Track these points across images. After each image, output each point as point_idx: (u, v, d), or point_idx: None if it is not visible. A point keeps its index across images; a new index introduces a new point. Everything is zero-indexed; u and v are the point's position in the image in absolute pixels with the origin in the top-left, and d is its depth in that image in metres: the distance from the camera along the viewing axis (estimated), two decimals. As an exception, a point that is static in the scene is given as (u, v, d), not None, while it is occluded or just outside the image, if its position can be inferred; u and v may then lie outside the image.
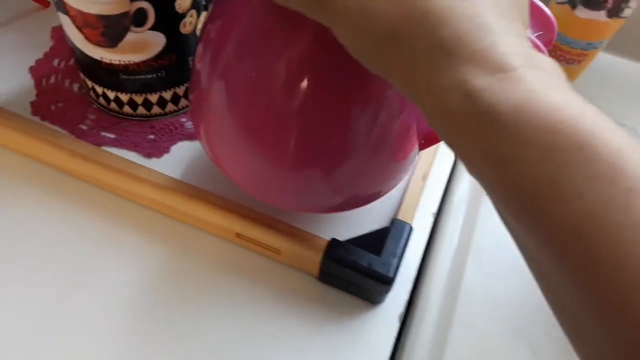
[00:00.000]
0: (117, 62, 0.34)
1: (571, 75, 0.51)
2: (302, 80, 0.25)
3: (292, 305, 0.33)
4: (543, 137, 0.15)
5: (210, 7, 0.29)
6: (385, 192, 0.33)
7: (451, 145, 0.17)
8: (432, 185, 0.39)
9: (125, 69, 0.35)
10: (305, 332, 0.32)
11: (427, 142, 0.31)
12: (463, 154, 0.17)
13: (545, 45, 0.24)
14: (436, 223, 0.39)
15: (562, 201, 0.15)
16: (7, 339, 0.30)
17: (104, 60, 0.34)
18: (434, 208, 0.38)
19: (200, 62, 0.29)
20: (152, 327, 0.31)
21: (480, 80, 0.15)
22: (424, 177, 0.37)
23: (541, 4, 0.25)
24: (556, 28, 0.25)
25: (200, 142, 0.32)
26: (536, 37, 0.24)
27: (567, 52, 0.48)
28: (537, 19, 0.25)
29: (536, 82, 0.15)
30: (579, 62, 0.49)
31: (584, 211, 0.14)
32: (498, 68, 0.15)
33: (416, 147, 0.31)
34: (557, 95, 0.15)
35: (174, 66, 0.36)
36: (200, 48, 0.29)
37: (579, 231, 0.14)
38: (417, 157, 0.36)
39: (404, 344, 0.34)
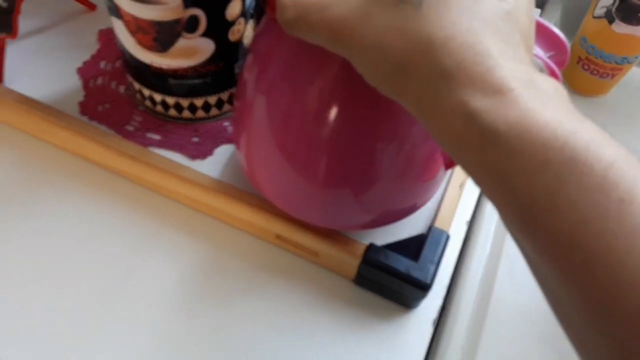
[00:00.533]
0: (166, 67, 0.36)
1: (603, 89, 0.52)
2: (334, 107, 0.27)
3: (328, 307, 0.34)
4: (537, 152, 0.16)
5: (263, 19, 0.30)
6: (418, 207, 0.34)
7: (458, 162, 0.18)
8: (466, 194, 0.40)
9: (174, 73, 0.36)
10: (341, 333, 0.33)
11: (452, 161, 0.31)
12: (469, 171, 0.18)
13: (558, 65, 0.25)
14: (469, 231, 0.39)
15: (557, 211, 0.16)
16: (63, 323, 0.31)
17: (154, 64, 0.36)
18: (467, 217, 0.39)
19: (249, 73, 0.31)
20: (191, 318, 0.33)
21: (479, 102, 0.16)
22: (461, 186, 0.38)
23: (552, 27, 0.25)
24: (568, 49, 0.25)
25: (238, 152, 0.34)
26: (549, 57, 0.25)
27: (601, 66, 0.49)
28: (548, 40, 0.25)
29: (532, 101, 0.16)
30: (613, 76, 0.50)
31: (579, 220, 0.15)
32: (496, 90, 0.16)
33: (442, 166, 0.32)
34: (553, 113, 0.16)
35: (220, 72, 0.37)
36: (250, 58, 0.30)
37: (574, 240, 0.15)
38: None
39: (437, 348, 0.34)
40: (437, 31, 0.17)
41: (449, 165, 0.31)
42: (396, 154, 0.29)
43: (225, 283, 0.34)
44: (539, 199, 0.16)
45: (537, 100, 0.16)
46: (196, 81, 0.37)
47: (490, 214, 0.41)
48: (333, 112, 0.27)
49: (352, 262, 0.33)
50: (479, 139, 0.17)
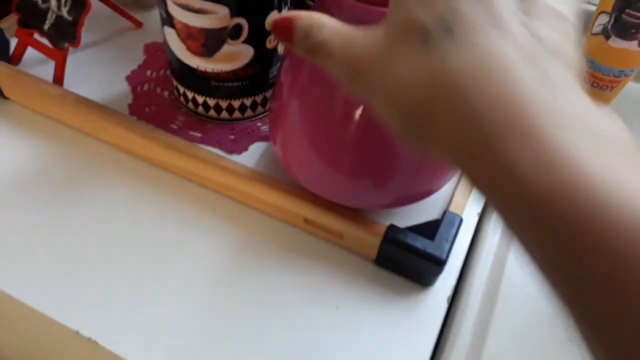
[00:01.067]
0: (210, 71, 0.41)
1: (605, 101, 0.56)
2: (359, 105, 0.32)
3: (352, 284, 0.38)
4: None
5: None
6: (434, 191, 0.38)
7: (480, 191, 0.17)
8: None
9: (217, 76, 0.41)
10: (362, 308, 0.37)
11: None
12: (494, 204, 0.16)
13: None
14: (480, 221, 0.43)
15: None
16: (113, 295, 0.35)
17: (200, 68, 0.41)
18: (479, 208, 0.43)
19: (284, 76, 0.36)
20: (228, 293, 0.36)
21: (521, 160, 0.14)
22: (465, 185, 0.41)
23: None
24: None
25: (274, 147, 0.38)
26: None
27: (600, 79, 0.53)
28: None
29: (589, 155, 0.14)
30: (612, 88, 0.54)
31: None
32: (531, 135, 0.14)
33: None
34: (620, 174, 0.14)
35: (257, 77, 0.42)
36: (285, 64, 0.35)
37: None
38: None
39: (451, 324, 0.38)
40: (465, 69, 0.16)
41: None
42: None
43: (257, 263, 0.38)
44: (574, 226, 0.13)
45: (596, 151, 0.14)
46: (235, 84, 0.42)
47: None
48: (358, 109, 0.32)
49: (374, 242, 0.37)
50: (528, 206, 0.14)
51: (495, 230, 0.43)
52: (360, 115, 0.32)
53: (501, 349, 0.38)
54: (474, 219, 0.42)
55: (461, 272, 0.40)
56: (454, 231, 0.37)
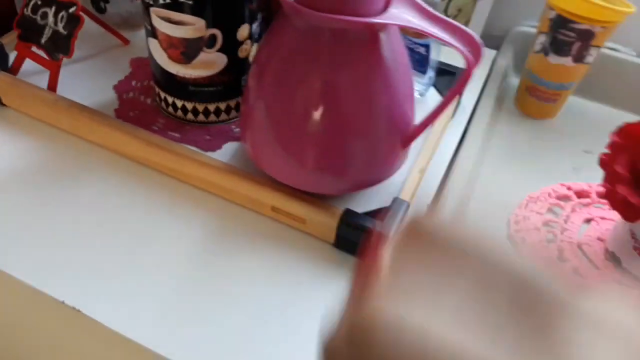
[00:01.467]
0: (189, 76, 0.46)
1: (550, 113, 0.62)
2: (316, 105, 0.37)
3: (313, 264, 0.42)
4: None
5: (262, 38, 0.40)
6: (385, 178, 0.42)
7: None
8: (429, 180, 0.49)
9: (195, 82, 0.46)
10: (322, 284, 0.41)
11: (408, 139, 0.41)
12: None
13: (475, 58, 0.34)
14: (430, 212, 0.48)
15: None
16: (97, 271, 0.39)
17: (179, 74, 0.46)
18: (428, 201, 0.48)
19: (252, 81, 0.41)
20: (201, 271, 0.40)
21: None
22: (421, 171, 0.46)
23: (469, 30, 0.35)
24: (480, 48, 0.35)
25: (245, 143, 0.43)
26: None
27: (544, 92, 0.59)
28: (466, 41, 0.35)
29: None
30: (554, 100, 0.60)
31: None
32: None
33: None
34: None
35: (230, 83, 0.47)
36: (253, 70, 0.41)
37: None
38: (417, 153, 0.46)
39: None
40: None
41: (406, 143, 0.41)
42: (365, 132, 0.39)
43: (228, 246, 0.42)
44: None
45: None
46: (211, 89, 0.47)
47: (451, 199, 0.49)
48: (317, 108, 0.37)
49: (332, 224, 0.41)
50: None
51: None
52: (320, 113, 0.37)
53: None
54: (424, 207, 0.47)
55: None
56: (401, 214, 0.42)
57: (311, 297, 0.40)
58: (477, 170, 0.54)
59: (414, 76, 0.49)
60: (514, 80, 0.65)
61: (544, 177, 0.54)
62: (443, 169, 0.51)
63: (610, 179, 0.40)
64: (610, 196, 0.40)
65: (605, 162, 0.40)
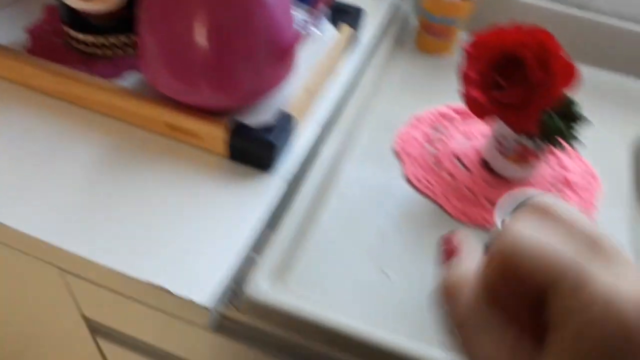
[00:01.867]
0: (90, 10, 0.49)
1: (445, 49, 0.67)
2: (199, 23, 0.41)
3: (208, 176, 0.46)
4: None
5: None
6: (268, 90, 0.47)
7: None
8: (326, 105, 0.53)
9: (96, 17, 0.49)
10: (216, 192, 0.45)
11: (285, 52, 0.46)
12: None
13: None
14: (324, 132, 0.53)
15: None
16: (13, 179, 0.43)
17: (81, 8, 0.49)
18: (321, 120, 0.52)
19: (140, 9, 0.45)
20: (102, 183, 0.44)
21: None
22: (308, 90, 0.51)
23: None
24: None
25: (141, 68, 0.47)
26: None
27: (435, 28, 0.64)
28: None
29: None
30: (445, 36, 0.65)
31: None
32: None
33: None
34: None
35: (129, 17, 0.51)
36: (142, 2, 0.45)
37: None
38: (304, 73, 0.51)
39: (293, 200, 0.46)
40: None
41: (284, 56, 0.45)
42: (246, 41, 0.43)
43: (127, 163, 0.46)
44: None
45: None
46: (111, 23, 0.50)
47: (345, 118, 0.54)
48: (200, 27, 0.41)
49: (224, 136, 0.46)
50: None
51: (337, 133, 0.52)
52: (200, 31, 0.41)
53: (332, 222, 0.47)
54: (317, 130, 0.52)
55: (304, 162, 0.49)
56: (287, 126, 0.46)
57: (206, 205, 0.44)
58: (372, 98, 0.59)
59: (296, 6, 0.54)
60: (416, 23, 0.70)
61: (433, 102, 0.59)
62: (338, 96, 0.56)
63: (464, 82, 0.45)
64: (465, 97, 0.45)
65: (460, 70, 0.46)
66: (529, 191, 0.40)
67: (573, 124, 0.45)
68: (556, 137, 0.45)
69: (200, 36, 0.42)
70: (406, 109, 0.59)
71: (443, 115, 0.57)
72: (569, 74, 0.41)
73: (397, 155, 0.53)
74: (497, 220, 0.39)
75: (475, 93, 0.44)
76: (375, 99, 0.60)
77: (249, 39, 0.43)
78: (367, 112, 0.58)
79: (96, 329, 0.57)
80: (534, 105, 0.41)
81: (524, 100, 0.41)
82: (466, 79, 0.45)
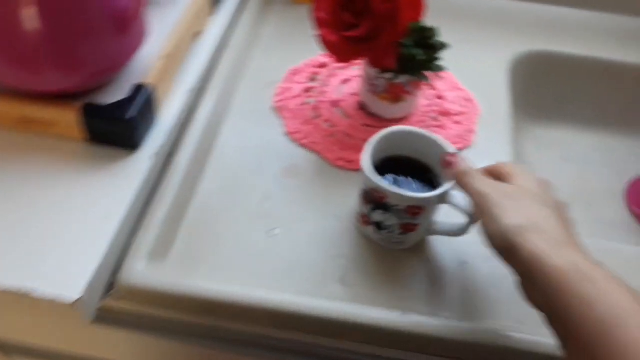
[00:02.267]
0: None
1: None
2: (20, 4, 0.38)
3: (70, 163, 0.43)
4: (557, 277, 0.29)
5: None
6: (116, 66, 0.44)
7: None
8: (193, 67, 0.51)
9: None
10: (79, 178, 0.42)
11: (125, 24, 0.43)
12: None
13: None
14: (196, 98, 0.50)
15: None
16: None
17: None
18: (190, 86, 0.50)
19: None
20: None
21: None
22: (167, 57, 0.48)
23: None
24: None
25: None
26: None
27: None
28: None
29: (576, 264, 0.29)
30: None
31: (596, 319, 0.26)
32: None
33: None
34: (584, 266, 0.29)
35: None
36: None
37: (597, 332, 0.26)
38: (160, 40, 0.48)
39: (166, 174, 0.44)
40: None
41: (124, 28, 0.42)
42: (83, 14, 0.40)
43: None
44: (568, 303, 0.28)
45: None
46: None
47: (217, 82, 0.52)
48: (22, 9, 0.38)
49: (78, 120, 0.43)
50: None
51: (210, 102, 0.50)
52: (33, 11, 0.38)
53: (212, 190, 0.46)
54: (186, 97, 0.49)
55: (177, 136, 0.47)
56: (145, 99, 0.44)
57: (70, 193, 0.41)
58: (246, 56, 0.57)
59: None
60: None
61: (310, 53, 0.58)
62: (207, 58, 0.53)
63: (317, 25, 0.43)
64: (321, 41, 0.44)
65: (312, 13, 0.44)
66: (397, 128, 0.40)
67: (433, 53, 0.45)
68: (419, 68, 0.44)
69: (29, 17, 0.38)
70: (283, 62, 0.57)
71: (320, 65, 0.56)
72: (415, 3, 0.40)
73: (277, 111, 0.52)
74: (364, 162, 0.38)
75: (329, 34, 0.43)
76: (250, 56, 0.58)
77: (83, 14, 0.40)
78: (242, 72, 0.56)
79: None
80: (383, 37, 0.40)
81: (374, 33, 0.40)
82: (318, 21, 0.43)
